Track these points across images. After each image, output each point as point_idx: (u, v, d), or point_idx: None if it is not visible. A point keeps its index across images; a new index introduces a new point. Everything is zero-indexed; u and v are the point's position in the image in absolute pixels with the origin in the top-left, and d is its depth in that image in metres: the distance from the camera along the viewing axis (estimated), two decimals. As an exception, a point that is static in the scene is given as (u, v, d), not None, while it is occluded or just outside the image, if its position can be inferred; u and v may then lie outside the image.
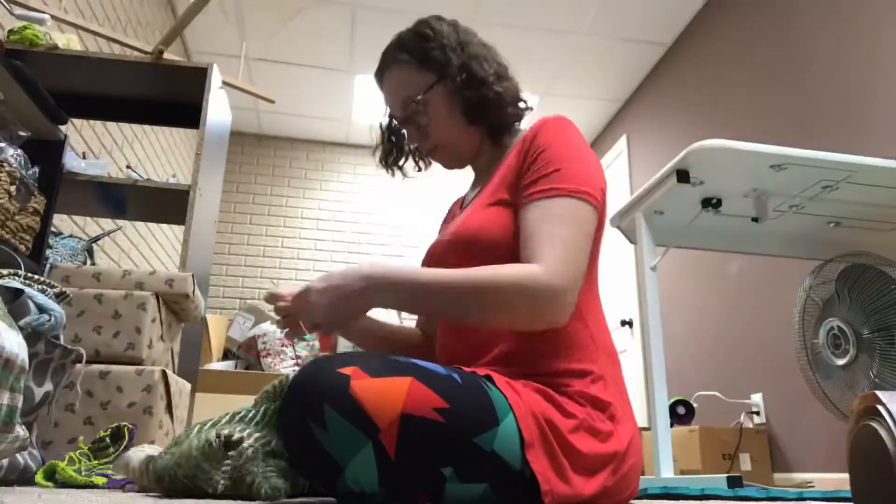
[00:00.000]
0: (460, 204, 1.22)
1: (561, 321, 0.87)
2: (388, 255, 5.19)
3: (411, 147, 1.18)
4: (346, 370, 0.72)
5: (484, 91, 1.06)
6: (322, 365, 0.73)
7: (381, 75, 1.13)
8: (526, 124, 1.11)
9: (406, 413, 0.71)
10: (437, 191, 5.37)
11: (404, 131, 1.16)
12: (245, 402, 3.33)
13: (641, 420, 3.88)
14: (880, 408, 0.67)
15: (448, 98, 1.06)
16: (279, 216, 5.20)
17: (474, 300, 0.84)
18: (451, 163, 1.13)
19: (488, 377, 0.83)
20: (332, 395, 0.70)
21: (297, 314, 0.89)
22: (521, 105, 1.11)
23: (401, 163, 1.19)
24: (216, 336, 3.64)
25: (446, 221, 1.25)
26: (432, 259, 1.03)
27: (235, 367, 3.46)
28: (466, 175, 5.43)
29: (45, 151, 2.07)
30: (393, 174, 1.20)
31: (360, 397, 0.70)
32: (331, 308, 0.86)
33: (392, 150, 1.18)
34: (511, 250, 0.94)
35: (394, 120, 1.16)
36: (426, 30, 1.09)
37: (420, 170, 1.21)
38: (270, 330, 3.46)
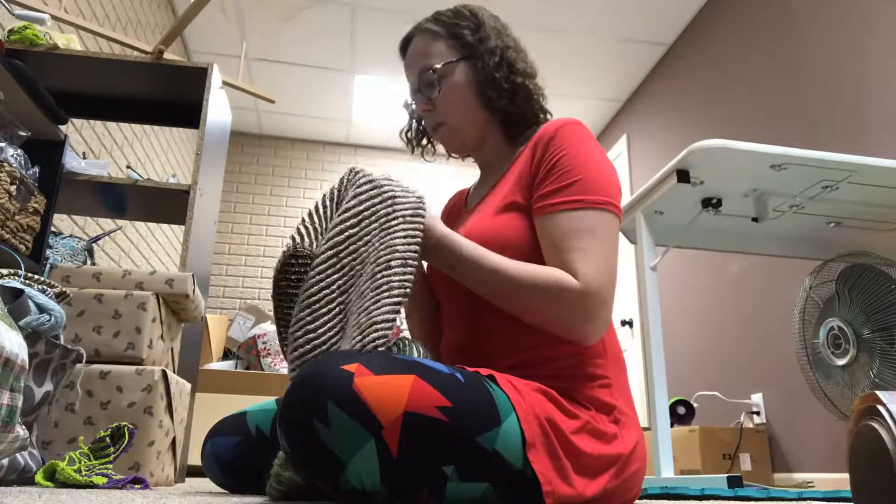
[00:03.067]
0: (464, 200, 1.22)
1: (595, 337, 0.90)
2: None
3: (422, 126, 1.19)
4: (350, 367, 0.71)
5: (516, 78, 1.07)
6: (325, 362, 0.73)
7: (406, 43, 1.14)
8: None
9: (409, 411, 0.71)
10: (437, 191, 5.37)
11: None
12: (245, 401, 3.29)
13: (642, 420, 3.89)
14: (880, 408, 0.67)
15: (468, 77, 1.07)
16: (279, 216, 5.20)
17: (518, 296, 0.90)
18: (453, 145, 1.13)
19: (491, 377, 0.83)
20: (336, 391, 0.69)
21: None
22: (544, 110, 1.12)
23: (423, 141, 1.21)
24: (216, 336, 3.63)
25: (449, 216, 1.24)
26: None
27: (235, 367, 3.45)
28: (469, 179, 5.43)
29: (45, 151, 2.07)
30: (412, 150, 1.22)
31: (363, 394, 0.69)
32: None
33: (412, 124, 1.21)
34: (526, 254, 0.95)
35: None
36: (465, 11, 1.11)
37: (415, 147, 1.22)
38: (270, 330, 3.46)
